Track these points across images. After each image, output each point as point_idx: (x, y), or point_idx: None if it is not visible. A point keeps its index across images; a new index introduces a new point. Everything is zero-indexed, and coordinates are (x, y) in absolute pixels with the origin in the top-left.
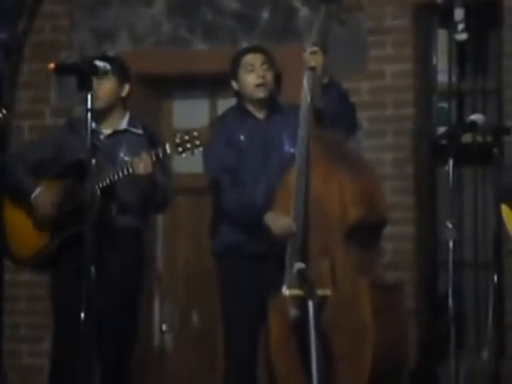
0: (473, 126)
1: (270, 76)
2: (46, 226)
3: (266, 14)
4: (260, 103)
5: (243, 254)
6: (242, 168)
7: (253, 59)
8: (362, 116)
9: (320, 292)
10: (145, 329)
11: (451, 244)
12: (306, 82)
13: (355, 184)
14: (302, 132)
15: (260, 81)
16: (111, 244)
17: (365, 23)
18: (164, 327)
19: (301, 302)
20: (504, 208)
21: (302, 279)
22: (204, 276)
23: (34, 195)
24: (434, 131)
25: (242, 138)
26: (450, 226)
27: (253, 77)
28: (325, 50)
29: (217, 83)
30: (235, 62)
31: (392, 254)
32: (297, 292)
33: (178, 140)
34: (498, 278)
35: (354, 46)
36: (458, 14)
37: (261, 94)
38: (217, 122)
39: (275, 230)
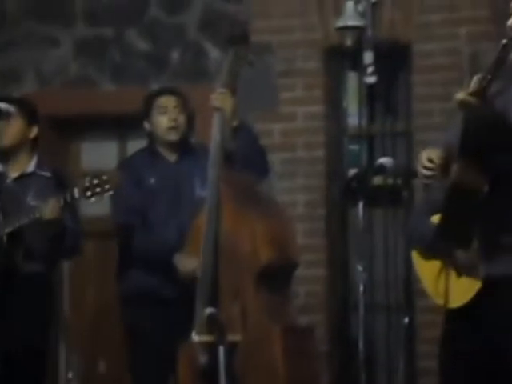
0: (382, 168)
1: (182, 119)
2: None
3: (176, 55)
4: (172, 146)
5: (153, 298)
6: (152, 211)
7: (166, 102)
8: (274, 158)
9: (231, 337)
10: (50, 376)
11: (362, 287)
12: (215, 124)
13: (266, 226)
14: (211, 174)
15: (172, 124)
16: (18, 290)
17: (275, 65)
18: (70, 375)
19: (211, 348)
20: (414, 254)
21: (213, 324)
22: (111, 322)
23: None
24: (345, 173)
25: (152, 180)
26: (361, 268)
27: (165, 119)
28: (234, 91)
29: (126, 124)
30: (148, 104)
31: (304, 296)
32: (207, 337)
33: (86, 184)
34: (409, 321)
35: (265, 89)
36: (368, 57)
37: (173, 136)
38: (125, 164)
39: (183, 272)
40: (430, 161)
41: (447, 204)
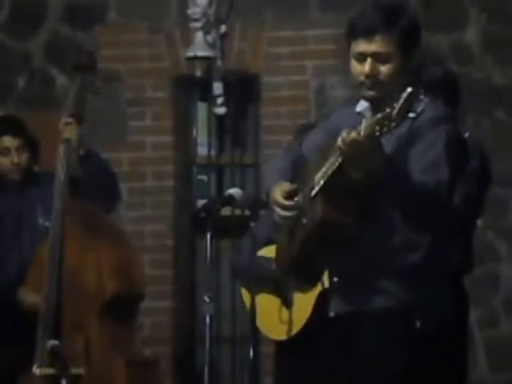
0: (230, 199)
1: (24, 157)
2: None
3: (21, 82)
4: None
5: None
6: None
7: (8, 143)
8: (122, 187)
9: (73, 370)
10: None
11: (208, 319)
12: (60, 155)
13: (112, 257)
14: (56, 204)
15: (14, 167)
16: None
17: (124, 94)
18: None
19: (53, 382)
20: (243, 291)
21: (55, 357)
22: None
23: None
24: (194, 203)
25: None
26: (207, 300)
27: (7, 161)
28: (80, 120)
29: None
30: None
31: (149, 328)
32: (49, 370)
33: None
34: (254, 353)
35: (114, 117)
36: (217, 87)
37: (14, 176)
38: None
39: (26, 307)
40: (288, 197)
41: (307, 242)
